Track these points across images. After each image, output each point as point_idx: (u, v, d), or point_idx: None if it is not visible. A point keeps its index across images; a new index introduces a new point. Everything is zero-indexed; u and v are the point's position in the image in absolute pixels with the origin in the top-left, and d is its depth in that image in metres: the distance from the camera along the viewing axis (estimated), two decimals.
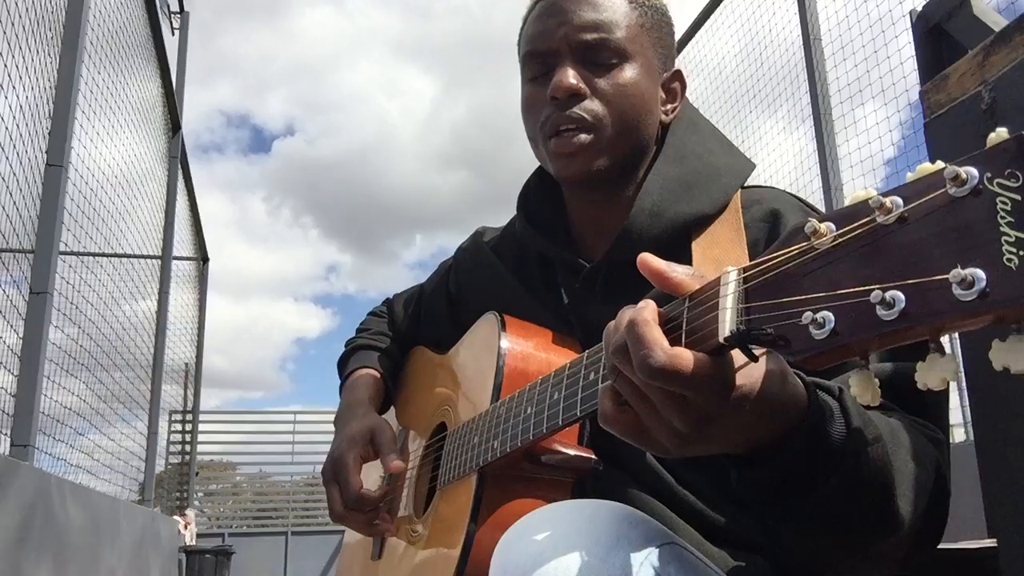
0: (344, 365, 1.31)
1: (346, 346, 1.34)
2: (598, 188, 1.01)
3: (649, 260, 0.62)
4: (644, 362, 0.55)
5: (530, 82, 1.01)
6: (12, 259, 2.84)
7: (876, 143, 3.78)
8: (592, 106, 0.96)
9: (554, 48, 0.98)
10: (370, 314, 1.39)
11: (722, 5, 5.22)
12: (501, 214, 1.21)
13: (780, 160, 4.61)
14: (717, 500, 0.86)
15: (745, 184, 1.00)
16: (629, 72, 0.97)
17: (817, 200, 4.06)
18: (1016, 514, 0.84)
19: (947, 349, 0.47)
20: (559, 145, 0.96)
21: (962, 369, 0.97)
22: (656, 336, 0.56)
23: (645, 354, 0.55)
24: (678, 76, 1.05)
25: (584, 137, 0.95)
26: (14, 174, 2.75)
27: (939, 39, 1.16)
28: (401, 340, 1.32)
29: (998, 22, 1.04)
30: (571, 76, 0.95)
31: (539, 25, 1.00)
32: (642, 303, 0.61)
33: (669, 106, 1.03)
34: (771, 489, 0.64)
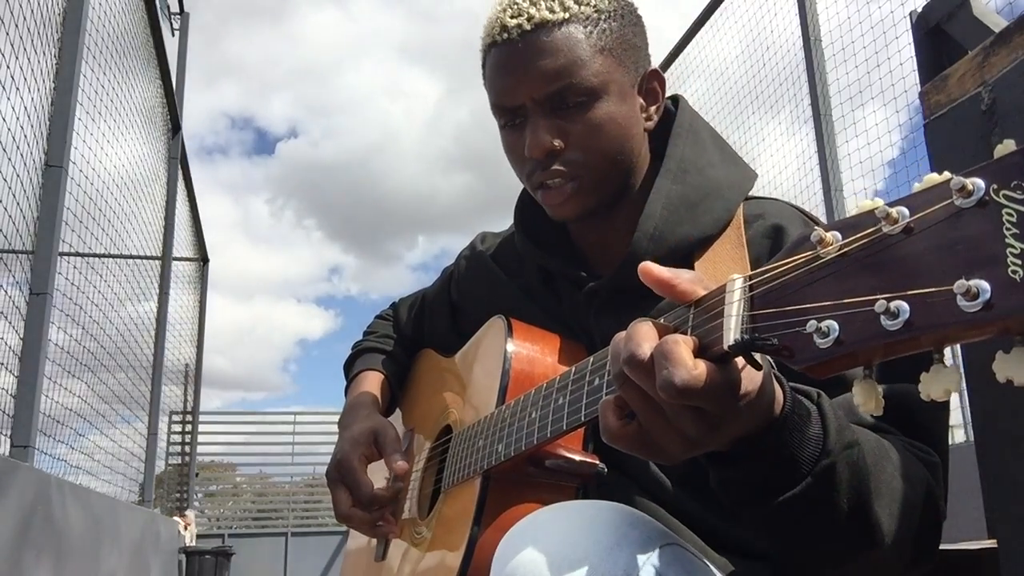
0: (350, 368, 1.31)
1: (352, 349, 1.34)
2: (594, 217, 1.00)
3: (653, 270, 0.61)
4: (668, 380, 0.55)
5: (504, 128, 0.99)
6: (15, 260, 2.85)
7: (876, 143, 3.79)
8: (572, 156, 0.94)
9: (520, 103, 0.95)
10: (377, 317, 1.40)
11: (723, 7, 5.22)
12: (504, 216, 1.22)
13: (783, 162, 4.61)
14: (719, 508, 0.86)
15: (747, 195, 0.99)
16: (602, 108, 0.93)
17: (818, 201, 4.06)
18: (1016, 514, 0.84)
19: (948, 359, 0.47)
20: (547, 197, 0.96)
21: (962, 370, 0.97)
22: (685, 355, 0.56)
23: (671, 371, 0.55)
24: (655, 75, 1.01)
25: (570, 187, 0.94)
26: (17, 175, 2.76)
27: (939, 40, 1.16)
28: (406, 344, 1.32)
29: (998, 23, 1.04)
30: (543, 137, 0.92)
31: (500, 81, 0.96)
32: (655, 322, 0.60)
33: (652, 109, 1.01)
34: (747, 487, 0.64)
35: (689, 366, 0.55)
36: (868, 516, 0.66)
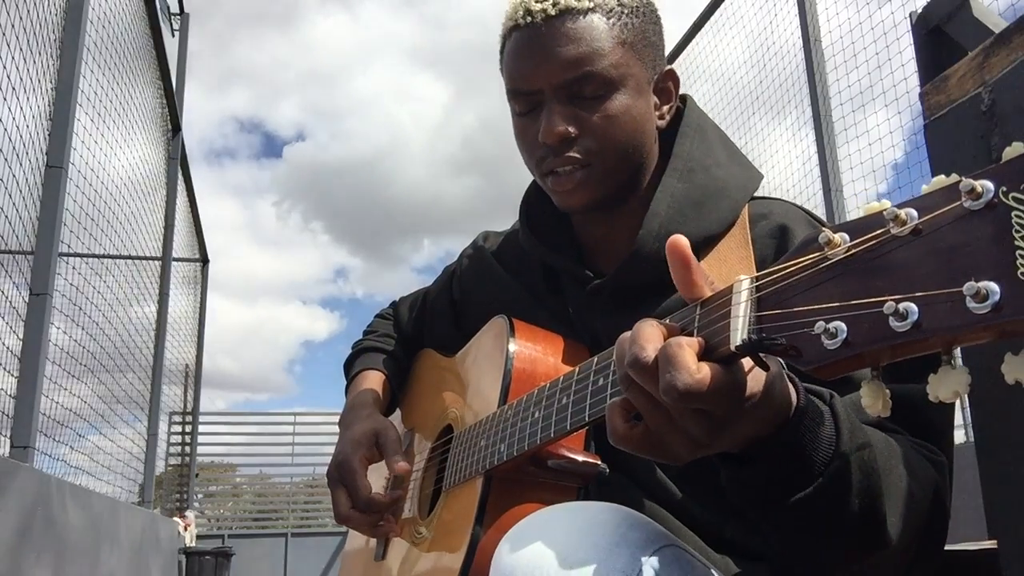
0: (350, 367, 1.31)
1: (352, 348, 1.34)
2: (601, 210, 1.00)
3: (682, 247, 0.60)
4: (671, 384, 0.55)
5: (519, 116, 0.99)
6: (12, 261, 2.84)
7: (878, 145, 3.79)
8: (585, 144, 0.94)
9: (538, 88, 0.95)
10: (377, 316, 1.39)
11: (724, 8, 5.22)
12: (509, 220, 1.21)
13: (783, 161, 4.62)
14: (722, 509, 0.86)
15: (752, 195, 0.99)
16: (619, 100, 0.94)
17: (818, 202, 4.07)
18: (1016, 515, 0.84)
19: (958, 359, 0.47)
20: (557, 183, 0.96)
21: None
22: (689, 359, 0.56)
23: (674, 375, 0.55)
24: (670, 75, 1.02)
25: (580, 174, 0.94)
26: (14, 177, 2.76)
27: (939, 41, 1.16)
28: (407, 343, 1.32)
29: (998, 24, 1.04)
30: (559, 123, 0.92)
31: (519, 64, 0.96)
32: (660, 323, 0.60)
33: (664, 108, 1.01)
34: (759, 488, 0.64)
35: (692, 370, 0.55)
36: (878, 517, 0.66)
